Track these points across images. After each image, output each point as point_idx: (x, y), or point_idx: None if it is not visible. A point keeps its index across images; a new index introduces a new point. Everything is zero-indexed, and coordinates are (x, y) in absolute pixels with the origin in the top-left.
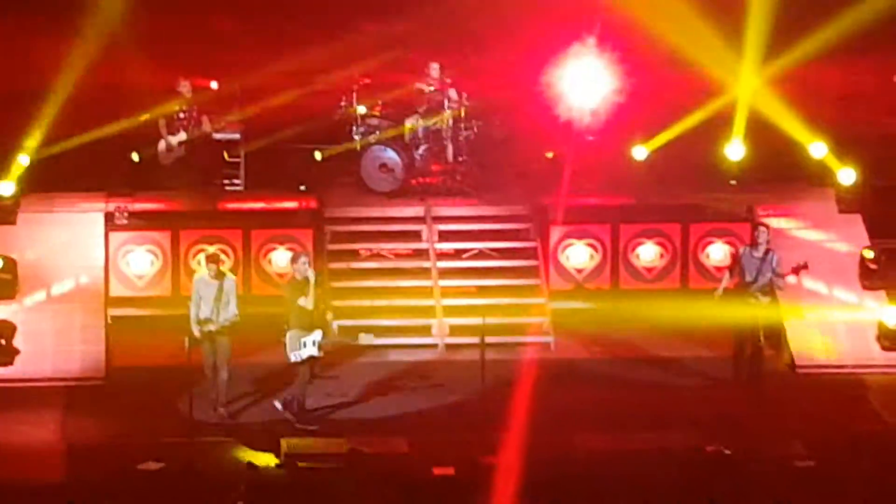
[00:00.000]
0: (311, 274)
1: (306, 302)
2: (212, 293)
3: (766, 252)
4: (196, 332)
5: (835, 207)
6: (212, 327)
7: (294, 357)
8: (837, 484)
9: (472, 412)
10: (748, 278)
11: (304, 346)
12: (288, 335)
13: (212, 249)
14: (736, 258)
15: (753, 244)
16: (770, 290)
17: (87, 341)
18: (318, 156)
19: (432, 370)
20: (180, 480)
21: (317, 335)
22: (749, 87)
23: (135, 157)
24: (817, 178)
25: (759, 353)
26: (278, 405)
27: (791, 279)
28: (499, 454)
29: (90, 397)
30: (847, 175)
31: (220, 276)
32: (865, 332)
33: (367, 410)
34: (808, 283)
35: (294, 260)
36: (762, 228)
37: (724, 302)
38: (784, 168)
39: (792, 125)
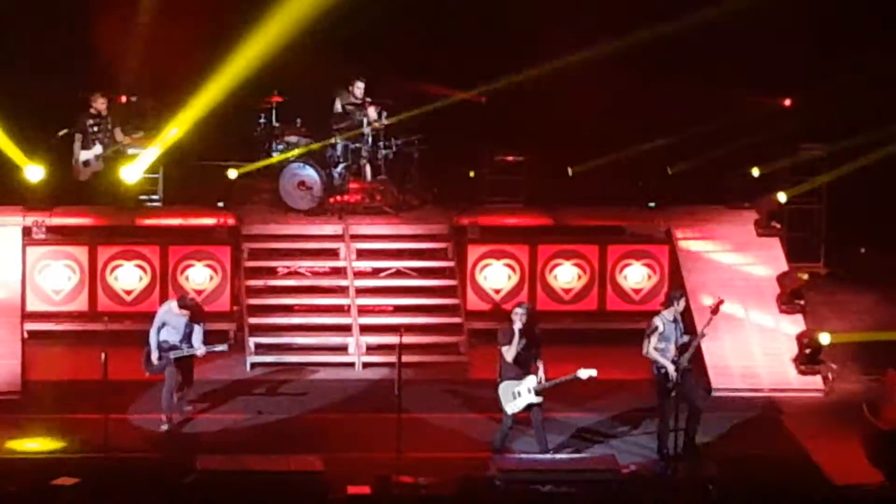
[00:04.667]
0: (518, 328)
1: (507, 351)
2: (178, 325)
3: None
4: (155, 359)
5: (753, 231)
6: (178, 354)
7: (511, 409)
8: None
9: (388, 431)
10: (678, 343)
11: (519, 396)
12: (500, 387)
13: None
14: (654, 332)
15: (672, 313)
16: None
17: (3, 355)
18: (232, 174)
19: (349, 388)
20: (95, 496)
21: (530, 381)
22: None
23: (37, 173)
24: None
25: (696, 414)
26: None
27: (707, 330)
28: (414, 474)
29: (5, 411)
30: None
31: (192, 317)
32: (782, 355)
33: (283, 427)
34: (726, 306)
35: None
36: (682, 299)
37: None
38: (703, 191)
39: None
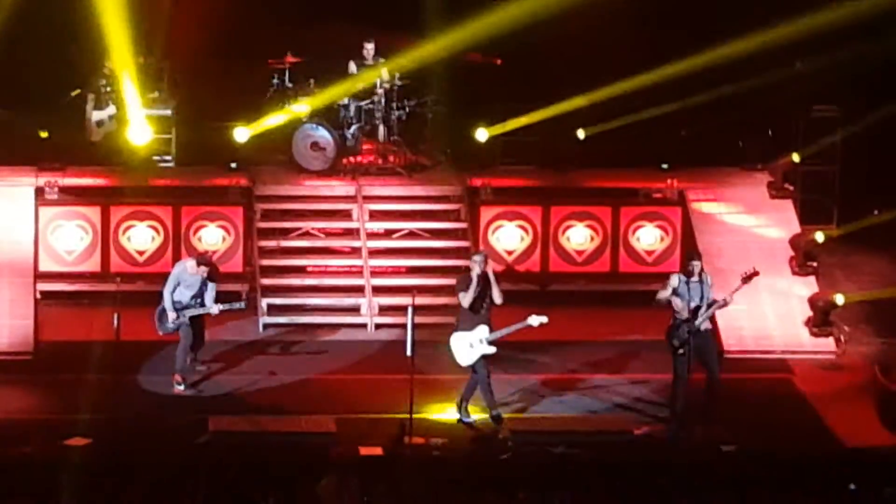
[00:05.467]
0: (477, 274)
1: (463, 298)
2: (194, 284)
3: (700, 275)
4: (171, 317)
5: (766, 193)
6: (193, 313)
7: (466, 361)
8: (761, 469)
9: (400, 392)
10: (693, 304)
11: (472, 347)
12: (452, 340)
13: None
14: (669, 287)
15: (688, 275)
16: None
17: (16, 316)
18: (240, 136)
19: (361, 349)
20: (107, 456)
21: (482, 332)
22: None
23: (43, 134)
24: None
25: (716, 384)
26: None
27: (731, 297)
28: (426, 435)
29: (18, 372)
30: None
31: (209, 275)
32: (794, 317)
33: (295, 389)
34: (738, 268)
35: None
36: (695, 262)
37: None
38: (716, 152)
39: None
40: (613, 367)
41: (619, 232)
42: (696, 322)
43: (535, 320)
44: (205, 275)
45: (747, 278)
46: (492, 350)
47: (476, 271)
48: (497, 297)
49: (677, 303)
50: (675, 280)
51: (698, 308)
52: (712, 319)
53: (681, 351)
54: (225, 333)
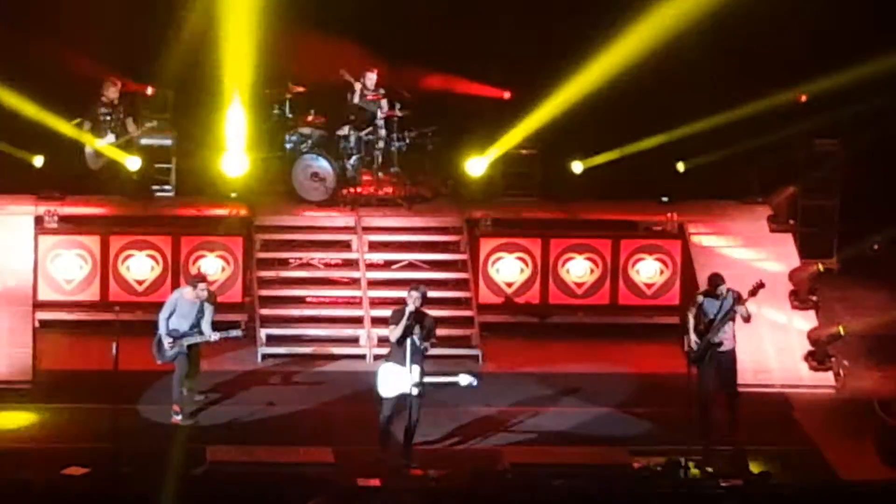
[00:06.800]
0: (410, 310)
1: (392, 331)
2: (190, 312)
3: (726, 293)
4: (167, 342)
5: (766, 226)
6: (191, 341)
7: (384, 392)
8: (759, 502)
9: (398, 423)
10: (710, 318)
11: (396, 383)
12: (381, 368)
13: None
14: (695, 305)
15: (712, 295)
16: (730, 330)
17: (15, 344)
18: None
19: (360, 380)
20: (105, 486)
21: (413, 373)
22: None
23: (38, 161)
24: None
25: (735, 398)
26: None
27: (744, 310)
28: (425, 466)
29: (17, 400)
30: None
31: (208, 297)
32: (794, 351)
33: (294, 420)
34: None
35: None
36: (722, 287)
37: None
38: (716, 185)
39: None
40: (612, 399)
41: (618, 264)
42: (710, 335)
43: (464, 380)
44: (203, 297)
45: (754, 291)
46: (414, 392)
47: (409, 308)
48: (419, 341)
49: (690, 339)
50: (700, 298)
51: (713, 321)
52: (735, 338)
53: (693, 364)
54: (224, 363)
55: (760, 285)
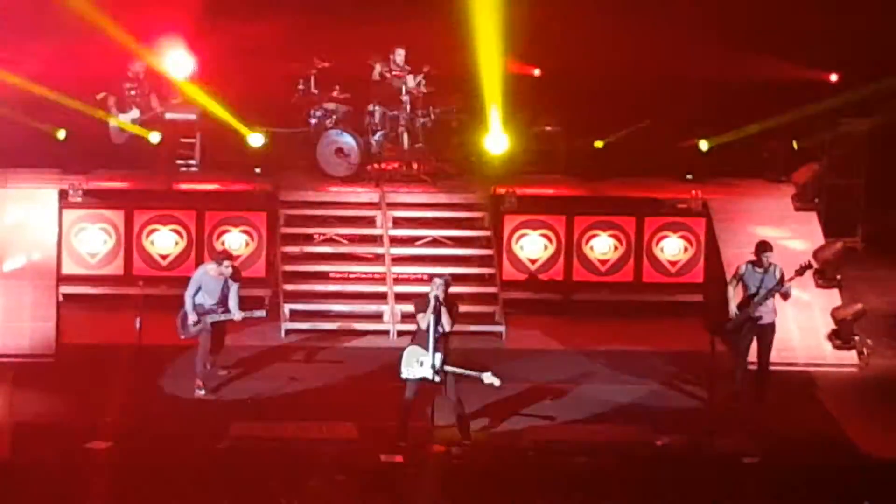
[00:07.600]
0: (434, 296)
1: (421, 319)
2: (216, 288)
3: (769, 266)
4: (192, 319)
5: (790, 204)
6: (216, 318)
7: (406, 374)
8: (782, 481)
9: (422, 400)
10: (751, 291)
11: (420, 366)
12: (406, 350)
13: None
14: (737, 275)
15: (757, 264)
16: (771, 304)
17: (38, 318)
18: (255, 141)
19: (384, 356)
20: (128, 460)
21: (436, 358)
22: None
23: (60, 135)
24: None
25: (766, 372)
26: None
27: (788, 287)
28: (448, 443)
29: (40, 375)
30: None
31: (232, 274)
32: (817, 330)
33: (318, 395)
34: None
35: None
36: (767, 254)
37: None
38: (741, 163)
39: None
40: (635, 376)
41: (642, 242)
42: (749, 309)
43: (487, 378)
44: (228, 274)
45: (801, 270)
46: (436, 379)
47: (433, 294)
48: (447, 324)
49: (732, 307)
50: (742, 268)
51: (755, 295)
52: (776, 311)
53: (730, 330)
54: (247, 339)
55: (808, 266)
